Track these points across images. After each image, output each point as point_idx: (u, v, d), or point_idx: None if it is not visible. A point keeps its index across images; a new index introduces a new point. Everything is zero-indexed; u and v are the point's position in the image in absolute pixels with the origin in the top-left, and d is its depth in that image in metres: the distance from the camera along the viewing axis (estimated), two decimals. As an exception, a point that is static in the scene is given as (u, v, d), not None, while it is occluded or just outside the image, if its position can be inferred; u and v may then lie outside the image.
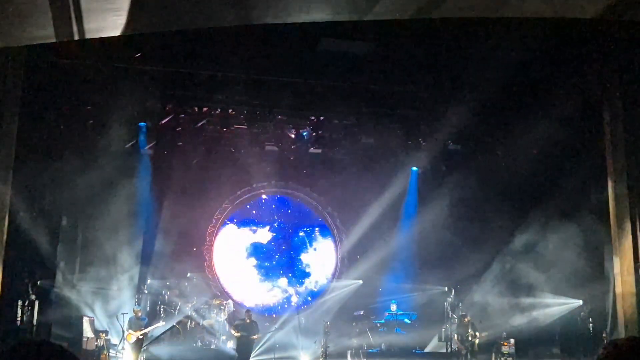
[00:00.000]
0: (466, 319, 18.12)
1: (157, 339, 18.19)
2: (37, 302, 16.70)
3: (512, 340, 18.11)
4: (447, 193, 19.88)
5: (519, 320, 19.31)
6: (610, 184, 16.87)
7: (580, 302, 18.68)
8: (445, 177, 20.54)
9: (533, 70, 16.81)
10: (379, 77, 17.84)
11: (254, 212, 22.11)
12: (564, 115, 18.67)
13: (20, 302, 16.11)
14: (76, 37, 5.88)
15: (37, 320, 16.50)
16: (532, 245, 19.39)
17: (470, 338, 17.74)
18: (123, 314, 17.35)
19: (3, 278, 14.80)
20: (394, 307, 19.65)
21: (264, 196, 22.18)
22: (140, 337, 16.77)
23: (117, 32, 5.83)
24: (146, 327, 17.28)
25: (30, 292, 16.66)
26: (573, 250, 18.57)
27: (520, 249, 19.51)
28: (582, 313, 18.57)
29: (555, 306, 19.11)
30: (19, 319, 15.98)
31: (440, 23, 13.46)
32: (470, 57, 16.56)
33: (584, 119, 18.59)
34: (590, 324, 18.29)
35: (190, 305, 19.17)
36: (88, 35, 5.82)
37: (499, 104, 18.91)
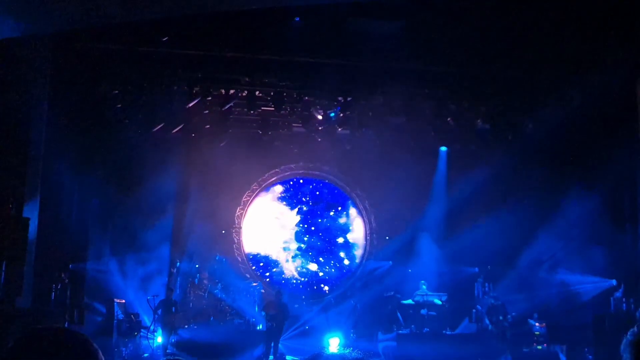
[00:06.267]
0: (497, 300, 17.99)
1: (187, 321, 18.33)
2: (69, 286, 16.94)
3: (543, 321, 17.95)
4: (476, 172, 19.64)
5: (550, 301, 19.10)
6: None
7: (614, 282, 18.41)
8: (475, 156, 20.30)
9: (564, 46, 16.47)
10: (407, 56, 17.60)
11: (283, 194, 22.09)
12: (595, 91, 18.32)
13: (53, 286, 16.34)
14: (101, 23, 5.84)
15: (70, 303, 16.74)
16: (565, 225, 19.11)
17: (501, 318, 17.62)
18: (154, 296, 17.52)
19: (36, 262, 15.02)
20: (424, 288, 19.50)
21: (292, 178, 22.13)
22: (172, 319, 16.96)
23: (143, 16, 5.77)
24: (176, 309, 17.44)
25: (63, 276, 16.90)
26: (606, 228, 18.27)
27: (552, 228, 19.24)
28: (616, 293, 18.29)
29: (588, 286, 18.86)
30: (52, 302, 16.21)
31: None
32: (499, 33, 16.26)
33: (616, 95, 18.20)
34: (624, 305, 18.02)
35: (219, 288, 19.28)
36: (114, 20, 5.77)
37: (529, 80, 18.61)
